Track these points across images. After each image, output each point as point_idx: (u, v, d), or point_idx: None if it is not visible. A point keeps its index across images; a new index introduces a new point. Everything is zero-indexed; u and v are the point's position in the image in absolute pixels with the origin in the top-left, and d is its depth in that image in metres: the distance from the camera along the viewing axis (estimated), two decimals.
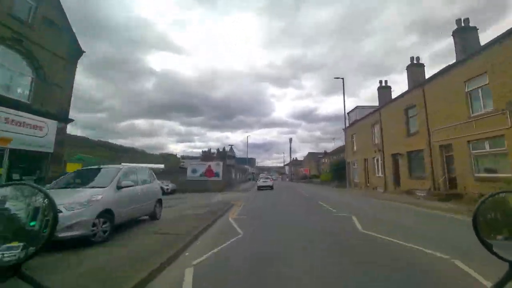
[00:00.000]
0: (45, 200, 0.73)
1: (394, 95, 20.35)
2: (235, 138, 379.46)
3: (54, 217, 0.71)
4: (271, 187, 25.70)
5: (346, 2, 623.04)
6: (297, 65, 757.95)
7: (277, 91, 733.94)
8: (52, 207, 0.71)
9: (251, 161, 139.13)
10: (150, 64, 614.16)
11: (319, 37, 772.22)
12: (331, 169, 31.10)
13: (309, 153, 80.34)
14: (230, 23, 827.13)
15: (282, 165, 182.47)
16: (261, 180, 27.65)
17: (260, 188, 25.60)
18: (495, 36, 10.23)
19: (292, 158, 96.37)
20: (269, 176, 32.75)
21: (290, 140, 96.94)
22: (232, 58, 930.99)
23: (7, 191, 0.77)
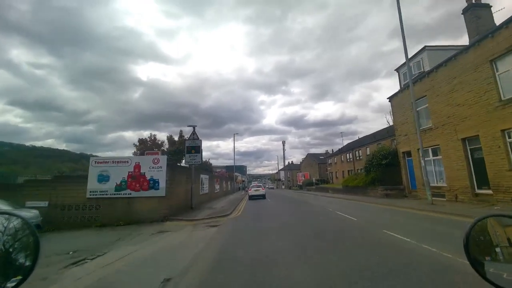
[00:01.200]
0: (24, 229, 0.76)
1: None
2: (225, 146, 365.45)
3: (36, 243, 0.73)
4: (263, 196, 24.11)
5: (331, 9, 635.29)
6: (286, 71, 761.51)
7: (266, 98, 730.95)
8: (33, 234, 0.74)
9: (242, 169, 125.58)
10: (138, 74, 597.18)
11: (306, 44, 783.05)
12: (371, 166, 18.27)
13: (309, 155, 67.84)
14: (218, 32, 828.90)
15: (275, 171, 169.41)
16: (252, 189, 25.61)
17: (252, 197, 23.95)
18: None
19: (287, 162, 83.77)
20: (261, 184, 30.67)
21: (283, 143, 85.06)
22: (221, 67, 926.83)
23: None
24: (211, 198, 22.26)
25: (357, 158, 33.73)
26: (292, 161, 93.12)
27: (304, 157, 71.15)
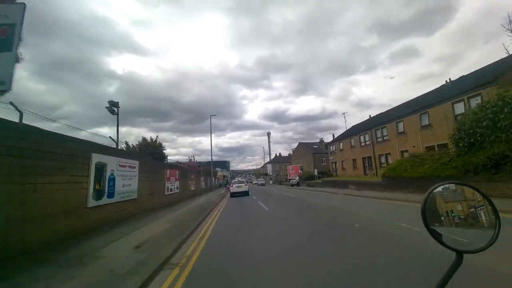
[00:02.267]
0: None
1: None
2: (207, 142, 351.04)
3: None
4: (246, 193, 21.07)
5: (311, 3, 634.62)
6: (267, 66, 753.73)
7: (248, 93, 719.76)
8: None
9: (224, 164, 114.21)
10: (112, 66, 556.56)
11: (287, 37, 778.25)
12: (485, 136, 8.65)
13: (301, 144, 58.43)
14: (198, 22, 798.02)
15: (259, 166, 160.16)
16: (234, 185, 22.23)
17: (233, 195, 20.92)
18: None
19: (274, 155, 74.30)
20: (243, 180, 26.32)
21: (269, 134, 75.71)
22: (201, 60, 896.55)
23: None
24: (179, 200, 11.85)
25: (380, 139, 24.60)
26: (279, 153, 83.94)
27: (295, 147, 61.73)
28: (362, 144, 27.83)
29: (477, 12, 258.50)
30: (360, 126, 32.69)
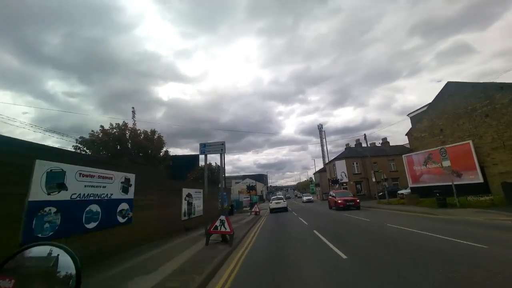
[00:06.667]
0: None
1: None
2: (246, 159, 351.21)
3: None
4: (285, 209, 22.63)
5: (344, 14, 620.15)
6: (302, 80, 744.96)
7: (284, 109, 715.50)
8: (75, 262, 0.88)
9: (262, 178, 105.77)
10: (159, 94, 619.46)
11: (321, 50, 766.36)
12: None
13: (348, 149, 46.40)
14: (233, 47, 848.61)
15: (296, 182, 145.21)
16: (273, 202, 23.77)
17: (273, 211, 22.57)
18: None
19: (326, 161, 62.29)
20: (282, 197, 27.40)
21: (320, 127, 64.78)
22: (237, 81, 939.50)
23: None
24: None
25: None
26: (328, 159, 71.74)
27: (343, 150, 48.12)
28: None
29: None
30: None
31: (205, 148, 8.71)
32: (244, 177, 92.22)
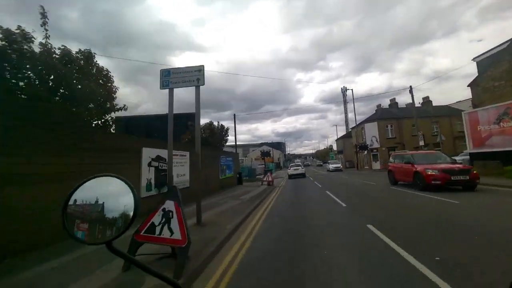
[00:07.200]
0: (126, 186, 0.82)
1: None
2: (264, 128, 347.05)
3: (135, 200, 0.80)
4: (303, 175, 23.38)
5: None
6: (322, 46, 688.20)
7: (303, 76, 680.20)
8: (132, 191, 0.81)
9: (280, 146, 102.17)
10: (176, 64, 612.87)
11: (343, 12, 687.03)
12: None
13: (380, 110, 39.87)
14: (249, 11, 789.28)
15: (315, 150, 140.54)
16: (292, 168, 24.91)
17: (291, 176, 23.37)
18: None
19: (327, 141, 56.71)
20: (300, 164, 28.45)
21: (344, 90, 57.90)
22: (255, 48, 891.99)
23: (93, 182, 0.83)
24: None
25: None
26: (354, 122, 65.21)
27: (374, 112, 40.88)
28: None
29: None
30: None
31: (169, 78, 4.95)
32: (261, 144, 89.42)
